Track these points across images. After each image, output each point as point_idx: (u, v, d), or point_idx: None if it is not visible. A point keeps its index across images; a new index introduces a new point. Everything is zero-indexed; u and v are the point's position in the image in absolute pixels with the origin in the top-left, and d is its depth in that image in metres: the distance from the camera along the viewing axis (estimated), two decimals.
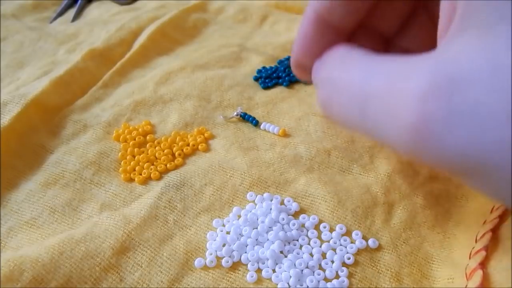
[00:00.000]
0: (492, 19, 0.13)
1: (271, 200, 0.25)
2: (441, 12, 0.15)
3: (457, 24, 0.14)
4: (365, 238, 0.23)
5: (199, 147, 0.29)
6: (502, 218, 0.21)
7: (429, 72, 0.13)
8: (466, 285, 0.19)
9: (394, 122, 0.14)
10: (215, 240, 0.23)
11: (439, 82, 0.13)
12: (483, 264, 0.19)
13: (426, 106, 0.13)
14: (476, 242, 0.20)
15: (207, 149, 0.29)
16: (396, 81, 0.14)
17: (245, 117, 0.30)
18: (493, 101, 0.12)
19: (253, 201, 0.25)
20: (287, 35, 0.42)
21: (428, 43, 0.20)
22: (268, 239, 0.23)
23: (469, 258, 0.20)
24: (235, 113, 0.31)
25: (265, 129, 0.30)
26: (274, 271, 0.22)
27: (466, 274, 0.20)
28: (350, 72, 0.17)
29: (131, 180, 0.27)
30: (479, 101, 0.12)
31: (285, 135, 0.29)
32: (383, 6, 0.22)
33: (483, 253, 0.20)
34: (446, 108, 0.13)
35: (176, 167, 0.27)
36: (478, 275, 0.19)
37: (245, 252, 0.22)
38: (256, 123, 0.30)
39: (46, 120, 0.30)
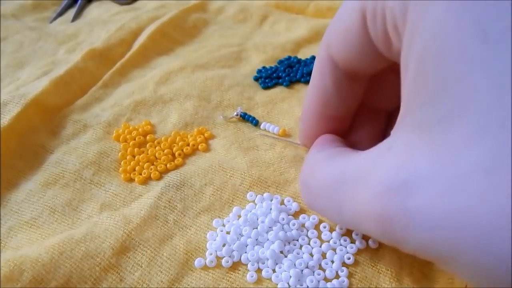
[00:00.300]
0: (435, 118, 0.14)
1: (271, 200, 0.25)
2: (402, 94, 0.16)
3: (406, 120, 0.15)
4: (365, 238, 0.23)
5: (199, 147, 0.29)
6: None
7: (384, 178, 0.15)
8: (466, 285, 0.19)
9: (365, 222, 0.16)
10: (215, 240, 0.23)
11: (393, 187, 0.14)
12: None
13: (384, 210, 0.15)
14: None
15: (207, 149, 0.29)
16: (359, 186, 0.16)
17: (245, 117, 0.30)
18: (438, 205, 0.13)
19: (253, 201, 0.25)
20: (287, 35, 0.42)
21: None
22: (268, 239, 0.23)
23: None
24: (235, 113, 0.31)
25: (265, 129, 0.30)
26: (274, 271, 0.22)
27: None
28: (320, 178, 0.19)
29: (131, 180, 0.27)
30: (427, 206, 0.13)
31: (285, 135, 0.29)
32: (378, 85, 0.23)
33: None
34: (400, 211, 0.14)
35: (176, 167, 0.27)
36: None
37: (245, 252, 0.22)
38: (256, 123, 0.30)
39: (46, 120, 0.30)
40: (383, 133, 0.25)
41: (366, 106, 0.24)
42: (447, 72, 0.13)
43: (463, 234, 0.13)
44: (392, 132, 0.16)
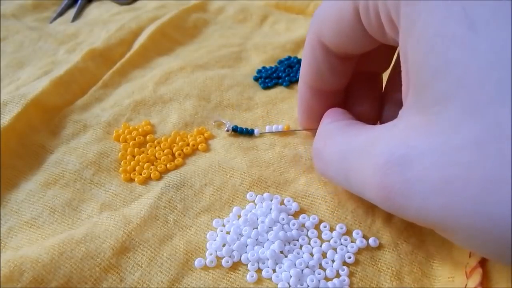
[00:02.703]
0: (431, 101, 0.15)
1: (271, 200, 0.25)
2: (402, 80, 0.18)
3: (408, 104, 0.17)
4: (365, 237, 0.23)
5: (199, 147, 0.29)
6: None
7: (386, 152, 0.17)
8: (466, 284, 0.19)
9: (368, 190, 0.18)
10: (215, 240, 0.23)
11: (394, 161, 0.16)
12: (482, 263, 0.19)
13: (386, 179, 0.16)
14: None
15: (207, 149, 0.29)
16: (364, 157, 0.18)
17: (238, 130, 0.29)
18: (433, 175, 0.15)
19: (253, 201, 0.25)
20: (287, 35, 0.42)
21: None
22: (268, 239, 0.23)
23: (469, 256, 0.20)
24: (225, 129, 0.30)
25: (270, 131, 0.29)
26: (274, 271, 0.22)
27: (466, 272, 0.20)
28: (330, 148, 0.21)
29: (131, 180, 0.27)
30: (424, 176, 0.15)
31: (289, 131, 0.29)
32: (369, 53, 0.23)
33: None
34: (400, 181, 0.16)
35: (176, 167, 0.27)
36: (477, 274, 0.19)
37: (245, 252, 0.22)
38: (252, 132, 0.29)
39: (46, 120, 0.30)
40: (378, 94, 0.26)
41: (358, 71, 0.25)
42: (439, 59, 0.15)
43: (457, 200, 0.14)
44: (399, 114, 0.18)
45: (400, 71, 0.18)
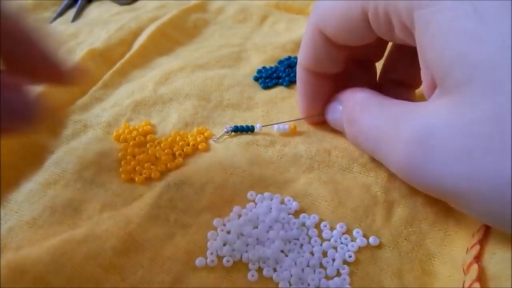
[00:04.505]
0: (452, 87, 0.17)
1: (272, 200, 0.25)
2: (423, 77, 0.20)
3: (437, 90, 0.19)
4: (365, 236, 0.23)
5: (199, 146, 0.29)
6: None
7: (412, 125, 0.19)
8: (464, 281, 0.19)
9: (393, 159, 0.20)
10: (215, 240, 0.23)
11: (418, 132, 0.18)
12: (478, 258, 0.19)
13: (411, 145, 0.18)
14: (472, 237, 0.21)
15: (207, 149, 0.29)
16: (392, 128, 0.20)
17: (239, 129, 0.29)
18: (454, 144, 0.17)
19: (254, 201, 0.25)
20: (287, 35, 0.42)
21: (412, 74, 0.26)
22: (268, 238, 0.23)
23: (466, 253, 0.20)
24: (225, 130, 0.29)
25: (274, 124, 0.29)
26: (275, 270, 0.22)
27: (463, 269, 0.20)
28: (365, 119, 0.22)
29: (132, 180, 0.27)
30: (446, 144, 0.17)
31: (290, 121, 0.29)
32: (369, 46, 0.25)
33: (477, 247, 0.20)
34: (422, 150, 0.18)
35: (177, 167, 0.27)
36: (474, 269, 0.19)
37: (246, 252, 0.22)
38: (252, 129, 0.29)
39: None
40: (373, 81, 0.29)
41: (355, 59, 0.27)
42: (454, 52, 0.17)
43: (475, 167, 0.16)
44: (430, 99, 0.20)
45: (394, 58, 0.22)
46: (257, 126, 0.29)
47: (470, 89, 0.16)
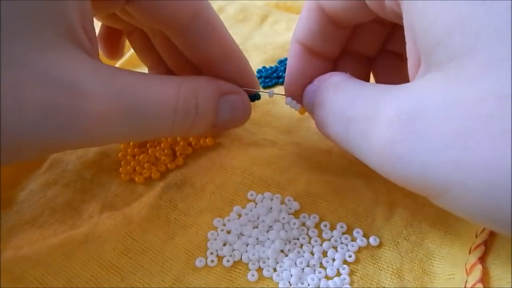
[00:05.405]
0: (447, 57, 0.15)
1: (272, 200, 0.25)
2: (408, 54, 0.18)
3: (422, 67, 0.17)
4: (366, 235, 0.23)
5: (200, 146, 0.29)
6: None
7: (396, 103, 0.16)
8: (466, 281, 0.19)
9: (368, 144, 0.17)
10: (216, 240, 0.23)
11: (403, 111, 0.15)
12: (482, 259, 0.19)
13: (391, 129, 0.16)
14: (476, 237, 0.20)
15: (208, 148, 0.29)
16: (371, 109, 0.17)
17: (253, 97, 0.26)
18: (445, 127, 0.14)
19: (254, 201, 0.25)
20: (287, 35, 0.42)
21: (403, 64, 0.23)
22: (268, 238, 0.23)
23: (469, 253, 0.20)
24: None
25: (289, 105, 0.27)
26: (275, 270, 0.22)
27: (466, 269, 0.20)
28: (339, 98, 0.20)
29: (132, 180, 0.27)
30: (434, 128, 0.14)
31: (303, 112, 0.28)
32: (363, 30, 0.24)
33: (483, 248, 0.20)
34: (408, 132, 0.15)
35: (177, 167, 0.27)
36: (477, 270, 0.19)
37: (246, 251, 0.22)
38: (258, 97, 0.27)
39: None
40: (365, 79, 0.26)
41: (348, 52, 0.25)
42: (453, 16, 0.15)
43: (470, 153, 0.13)
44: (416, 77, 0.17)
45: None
46: (270, 92, 0.27)
47: (471, 61, 0.14)
